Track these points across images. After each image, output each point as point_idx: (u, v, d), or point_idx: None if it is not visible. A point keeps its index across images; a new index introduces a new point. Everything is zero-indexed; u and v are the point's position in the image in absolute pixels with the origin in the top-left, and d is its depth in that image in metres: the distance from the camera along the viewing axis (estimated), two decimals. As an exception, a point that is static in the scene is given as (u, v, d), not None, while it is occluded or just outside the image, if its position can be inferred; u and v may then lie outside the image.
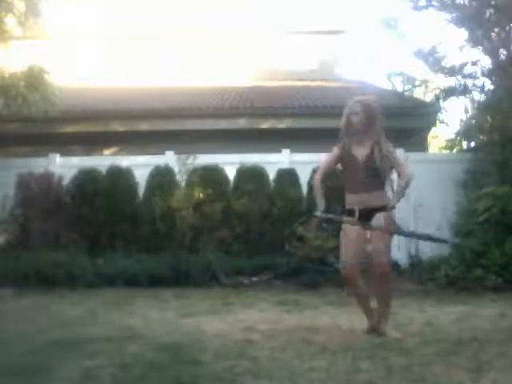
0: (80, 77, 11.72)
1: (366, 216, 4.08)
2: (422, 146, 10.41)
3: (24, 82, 8.13)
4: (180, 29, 12.34)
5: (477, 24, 8.55)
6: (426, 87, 11.60)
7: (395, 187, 4.19)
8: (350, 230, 4.10)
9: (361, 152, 4.15)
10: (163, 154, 8.66)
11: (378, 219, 4.07)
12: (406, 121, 9.70)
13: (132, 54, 12.38)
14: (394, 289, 6.68)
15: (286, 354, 3.57)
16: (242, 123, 9.99)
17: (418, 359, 3.40)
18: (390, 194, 4.19)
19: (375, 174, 4.11)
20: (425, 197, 8.13)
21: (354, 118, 4.16)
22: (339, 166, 4.30)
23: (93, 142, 9.81)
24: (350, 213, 4.13)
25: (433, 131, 12.89)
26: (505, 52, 8.52)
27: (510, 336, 4.12)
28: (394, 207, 4.15)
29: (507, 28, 8.46)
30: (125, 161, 8.55)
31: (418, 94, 12.78)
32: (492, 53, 8.64)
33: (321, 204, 4.24)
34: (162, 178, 8.05)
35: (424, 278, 7.12)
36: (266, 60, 12.57)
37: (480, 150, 8.43)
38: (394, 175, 4.21)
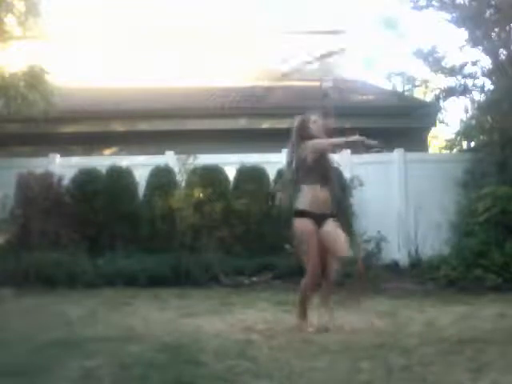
0: (80, 77, 11.70)
1: None
2: (422, 145, 10.39)
3: (24, 81, 8.14)
4: (180, 29, 12.33)
5: (477, 24, 8.55)
6: (426, 87, 11.58)
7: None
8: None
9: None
10: (163, 154, 8.66)
11: None
12: (405, 121, 9.69)
13: (132, 54, 12.36)
14: (394, 288, 6.79)
15: (285, 353, 3.57)
16: (242, 123, 9.98)
17: (418, 359, 3.40)
18: None
19: None
20: (425, 197, 8.13)
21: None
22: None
23: (93, 142, 9.80)
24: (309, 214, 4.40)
25: (433, 131, 12.87)
26: (505, 52, 8.51)
27: (510, 336, 4.12)
28: None
29: (507, 28, 8.45)
30: (125, 161, 8.57)
31: (418, 94, 12.77)
32: (492, 53, 8.63)
33: None
34: (162, 178, 8.05)
35: (424, 277, 7.11)
36: (265, 60, 12.56)
37: (480, 150, 8.43)
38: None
